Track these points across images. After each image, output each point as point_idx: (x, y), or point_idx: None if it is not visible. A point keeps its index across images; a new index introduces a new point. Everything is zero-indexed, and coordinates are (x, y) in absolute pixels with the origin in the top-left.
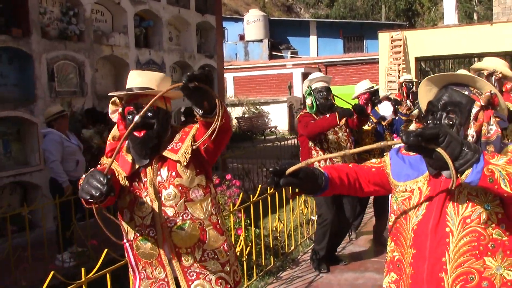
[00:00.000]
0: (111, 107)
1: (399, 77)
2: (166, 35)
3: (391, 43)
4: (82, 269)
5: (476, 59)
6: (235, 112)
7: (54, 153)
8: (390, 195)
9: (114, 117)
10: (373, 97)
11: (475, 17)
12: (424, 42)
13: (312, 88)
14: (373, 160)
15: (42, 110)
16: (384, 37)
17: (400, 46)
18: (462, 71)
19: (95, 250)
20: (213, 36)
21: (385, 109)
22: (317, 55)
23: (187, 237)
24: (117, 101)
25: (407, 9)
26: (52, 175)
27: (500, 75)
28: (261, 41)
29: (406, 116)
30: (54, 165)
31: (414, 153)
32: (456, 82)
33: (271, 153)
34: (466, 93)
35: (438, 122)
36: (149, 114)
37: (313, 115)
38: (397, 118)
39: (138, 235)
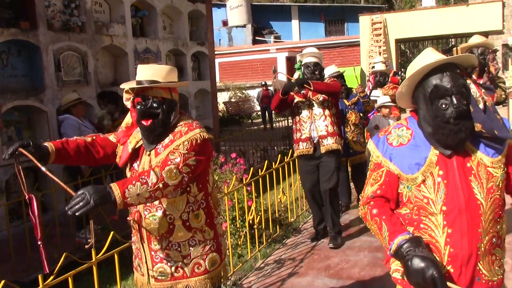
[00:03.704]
0: (125, 95)
1: (373, 67)
2: (161, 24)
3: (372, 25)
4: (93, 250)
5: (453, 39)
6: (222, 97)
7: (72, 136)
8: (368, 166)
9: (128, 104)
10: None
11: None
12: (403, 24)
13: (302, 63)
14: (375, 178)
15: (51, 99)
16: (364, 20)
17: (381, 28)
18: (430, 50)
19: (115, 226)
20: (203, 23)
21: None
22: (300, 39)
23: (156, 227)
24: (130, 90)
25: None
26: None
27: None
28: (244, 26)
29: (363, 98)
30: None
31: (404, 143)
32: (451, 63)
33: (261, 135)
34: (458, 71)
35: (459, 104)
36: (154, 104)
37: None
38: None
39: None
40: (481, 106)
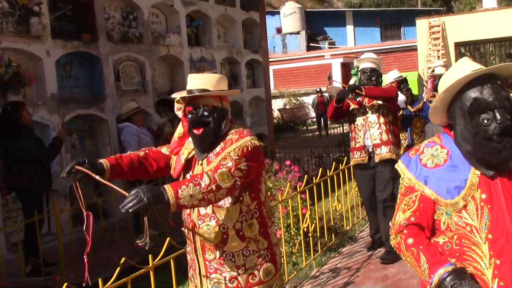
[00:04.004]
0: (176, 105)
1: (432, 70)
2: (215, 33)
3: (430, 29)
4: (150, 256)
5: None
6: (277, 104)
7: (132, 143)
8: None
9: (179, 114)
10: (401, 85)
11: None
12: (463, 27)
13: (359, 69)
14: (408, 203)
15: (111, 108)
16: (422, 23)
17: (439, 32)
18: (465, 60)
19: (171, 232)
20: (257, 31)
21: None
22: (355, 45)
23: (210, 237)
24: (181, 100)
25: None
26: None
27: None
28: (298, 33)
29: (431, 102)
30: None
31: (440, 163)
32: (491, 74)
33: (316, 142)
34: (499, 82)
35: (503, 119)
36: (205, 113)
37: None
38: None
39: (185, 217)
40: None
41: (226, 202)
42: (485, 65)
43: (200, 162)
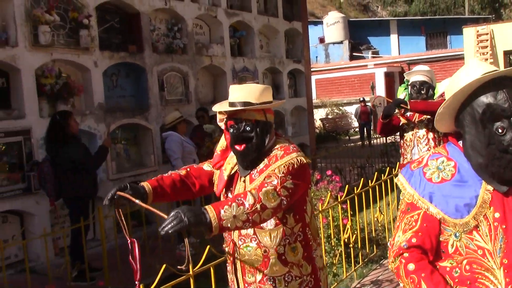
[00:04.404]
0: (219, 116)
1: None
2: (258, 43)
3: (477, 37)
4: (190, 263)
5: None
6: (319, 114)
7: (177, 151)
8: None
9: (222, 125)
10: None
11: None
12: None
13: (409, 82)
14: (410, 223)
15: (156, 117)
16: (469, 32)
17: (487, 40)
18: (476, 61)
19: (212, 240)
20: (299, 41)
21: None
22: (399, 54)
23: (250, 259)
24: (223, 111)
25: (492, 1)
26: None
27: None
28: (341, 42)
29: None
30: (176, 162)
31: (447, 178)
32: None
33: (358, 152)
34: None
35: None
36: (247, 128)
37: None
38: None
39: (225, 235)
40: None
41: (269, 223)
42: None
43: (243, 179)
